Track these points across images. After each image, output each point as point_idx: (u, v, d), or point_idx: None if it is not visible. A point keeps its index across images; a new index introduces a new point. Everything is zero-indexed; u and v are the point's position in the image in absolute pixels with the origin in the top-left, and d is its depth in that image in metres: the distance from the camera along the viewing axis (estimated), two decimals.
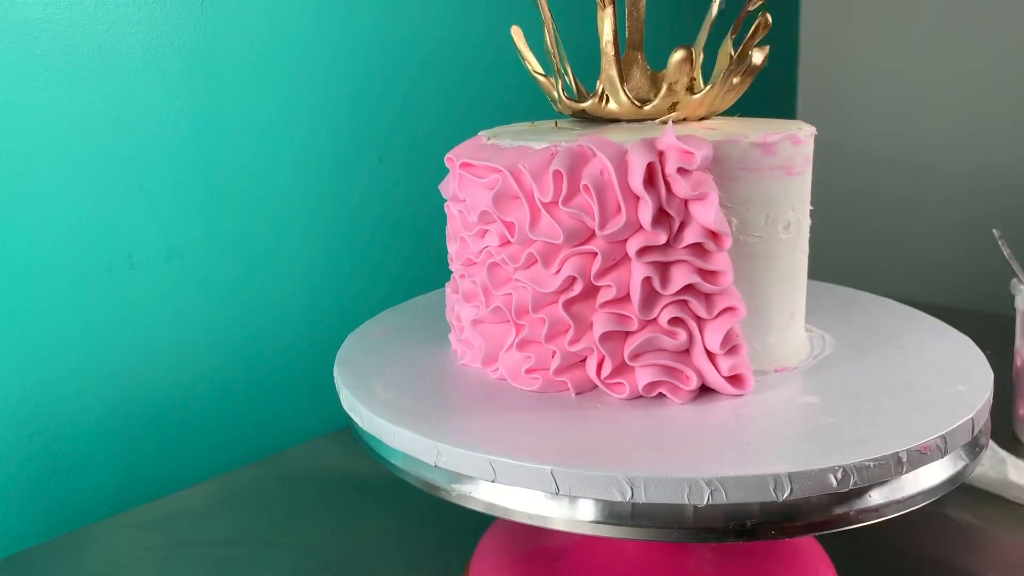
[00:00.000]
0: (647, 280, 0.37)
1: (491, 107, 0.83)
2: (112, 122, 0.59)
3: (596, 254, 0.37)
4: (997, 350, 0.67)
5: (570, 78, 0.46)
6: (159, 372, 0.64)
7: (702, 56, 0.45)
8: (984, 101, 1.09)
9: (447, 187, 0.44)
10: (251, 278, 0.69)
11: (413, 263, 0.78)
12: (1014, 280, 0.62)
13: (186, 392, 0.66)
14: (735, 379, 0.38)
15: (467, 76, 0.81)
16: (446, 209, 0.45)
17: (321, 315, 0.73)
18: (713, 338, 0.37)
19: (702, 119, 0.44)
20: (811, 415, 0.37)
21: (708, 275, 0.37)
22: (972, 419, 0.36)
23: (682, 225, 0.37)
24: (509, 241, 0.40)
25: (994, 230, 0.62)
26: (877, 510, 0.33)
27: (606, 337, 0.38)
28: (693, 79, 0.43)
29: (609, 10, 0.41)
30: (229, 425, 0.69)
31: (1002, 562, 0.50)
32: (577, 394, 0.39)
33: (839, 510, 0.33)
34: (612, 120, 0.44)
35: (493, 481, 0.34)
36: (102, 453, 0.62)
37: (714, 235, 0.37)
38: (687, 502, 0.32)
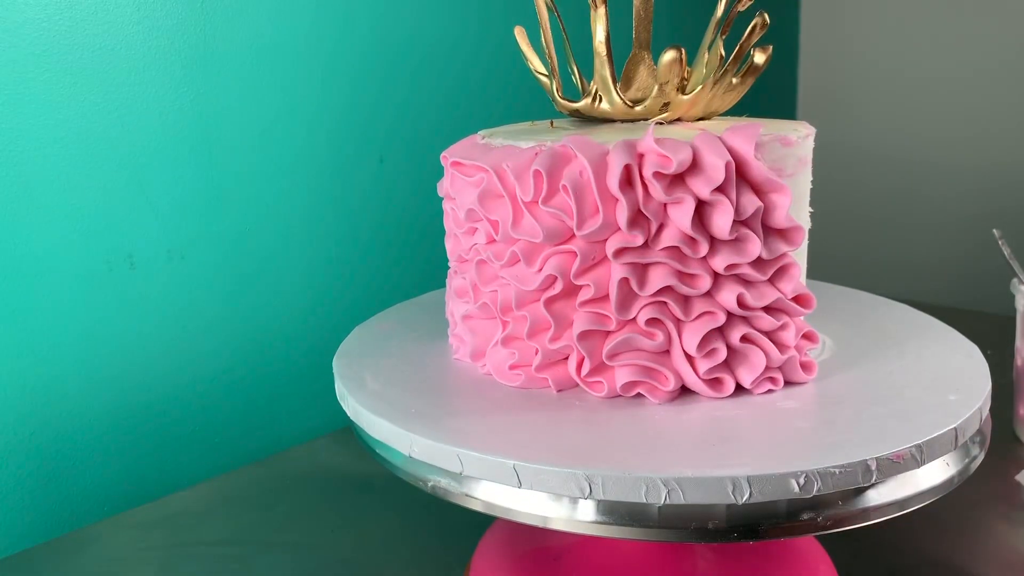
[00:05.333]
0: (624, 280, 0.37)
1: (491, 107, 0.83)
2: (112, 122, 0.59)
3: (576, 253, 0.38)
4: (997, 350, 0.67)
5: (576, 76, 0.46)
6: (159, 372, 0.64)
7: (707, 56, 0.45)
8: (984, 101, 1.09)
9: (443, 186, 0.45)
10: (251, 278, 0.69)
11: (413, 263, 0.78)
12: (1014, 280, 0.62)
13: (186, 392, 0.66)
14: (714, 382, 0.39)
15: (467, 76, 0.81)
16: (444, 207, 0.45)
17: (321, 315, 0.73)
18: (691, 340, 0.38)
19: (701, 119, 0.44)
20: (785, 420, 0.37)
21: (686, 278, 0.37)
22: (956, 429, 0.36)
23: (660, 227, 0.37)
24: (494, 239, 0.40)
25: (994, 230, 0.62)
26: (877, 510, 0.33)
27: (584, 336, 0.38)
28: (684, 80, 0.43)
29: (601, 10, 0.41)
30: (229, 425, 0.69)
31: (1002, 562, 0.50)
32: (559, 391, 0.40)
33: (839, 509, 0.33)
34: (607, 120, 0.44)
35: (460, 473, 0.35)
36: (102, 453, 0.62)
37: (691, 240, 0.37)
38: (646, 500, 0.32)
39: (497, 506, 0.35)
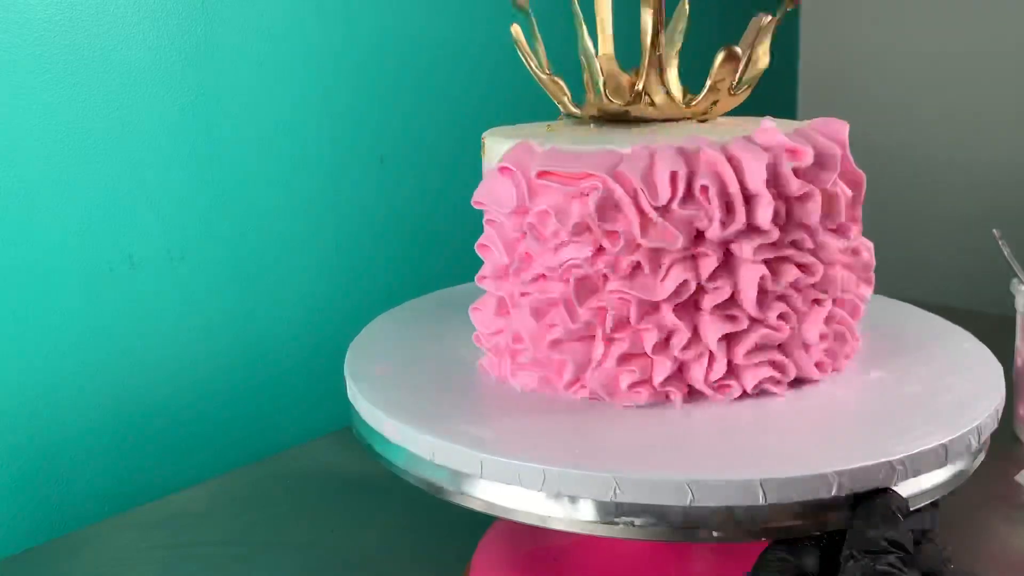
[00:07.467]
0: (761, 278, 0.37)
1: (491, 107, 0.83)
2: (112, 122, 0.59)
3: (704, 255, 0.37)
4: (997, 350, 0.66)
5: (592, 74, 0.45)
6: (160, 372, 0.64)
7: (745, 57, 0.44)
8: (984, 101, 1.09)
9: (488, 194, 0.41)
10: (252, 278, 0.69)
11: (414, 263, 0.78)
12: (1014, 280, 0.62)
13: (187, 392, 0.66)
14: (822, 365, 0.41)
15: (468, 76, 0.81)
16: (488, 222, 0.42)
17: (321, 315, 0.73)
18: (812, 330, 0.39)
19: (702, 120, 0.44)
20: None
21: (805, 269, 0.39)
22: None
23: (787, 222, 0.38)
24: (606, 250, 0.37)
25: (994, 230, 0.62)
26: None
27: (722, 339, 0.38)
28: (738, 79, 0.43)
29: (651, 8, 0.41)
30: (229, 425, 0.68)
31: (1002, 562, 0.50)
32: (686, 403, 0.39)
33: (839, 511, 0.33)
34: (616, 121, 0.44)
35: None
36: (102, 453, 0.61)
37: (812, 231, 0.38)
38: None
39: (497, 506, 0.35)
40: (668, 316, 0.37)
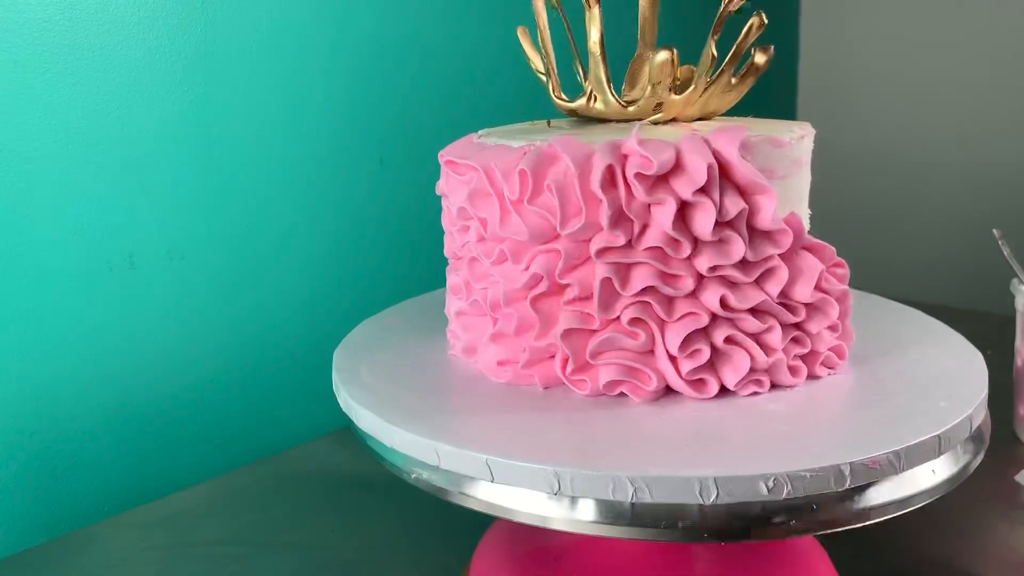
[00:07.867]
0: (607, 280, 0.37)
1: (491, 107, 0.83)
2: (112, 122, 0.59)
3: (560, 253, 0.38)
4: (997, 350, 0.67)
5: (580, 76, 0.46)
6: (160, 372, 0.64)
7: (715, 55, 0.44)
8: (984, 101, 1.09)
9: (440, 184, 0.45)
10: (252, 278, 0.69)
11: (413, 263, 0.78)
12: (1014, 280, 0.62)
13: (186, 392, 0.66)
14: (697, 383, 0.39)
15: (467, 76, 0.81)
16: (443, 205, 0.46)
17: (321, 315, 0.73)
18: (674, 340, 0.38)
19: (700, 119, 0.44)
20: (766, 422, 0.37)
21: (669, 278, 0.37)
22: (939, 436, 0.35)
23: (643, 228, 0.37)
24: (484, 237, 0.41)
25: (994, 230, 0.62)
26: (876, 510, 0.33)
27: (568, 334, 0.39)
28: (678, 80, 0.43)
29: (595, 11, 0.41)
30: (229, 425, 0.69)
31: (1002, 562, 0.50)
32: (545, 388, 0.40)
33: (838, 509, 0.33)
34: (603, 120, 0.44)
35: (438, 467, 0.36)
36: (102, 453, 0.62)
37: (674, 241, 0.37)
38: (613, 498, 0.32)
39: (498, 506, 0.35)
40: (526, 304, 0.39)
